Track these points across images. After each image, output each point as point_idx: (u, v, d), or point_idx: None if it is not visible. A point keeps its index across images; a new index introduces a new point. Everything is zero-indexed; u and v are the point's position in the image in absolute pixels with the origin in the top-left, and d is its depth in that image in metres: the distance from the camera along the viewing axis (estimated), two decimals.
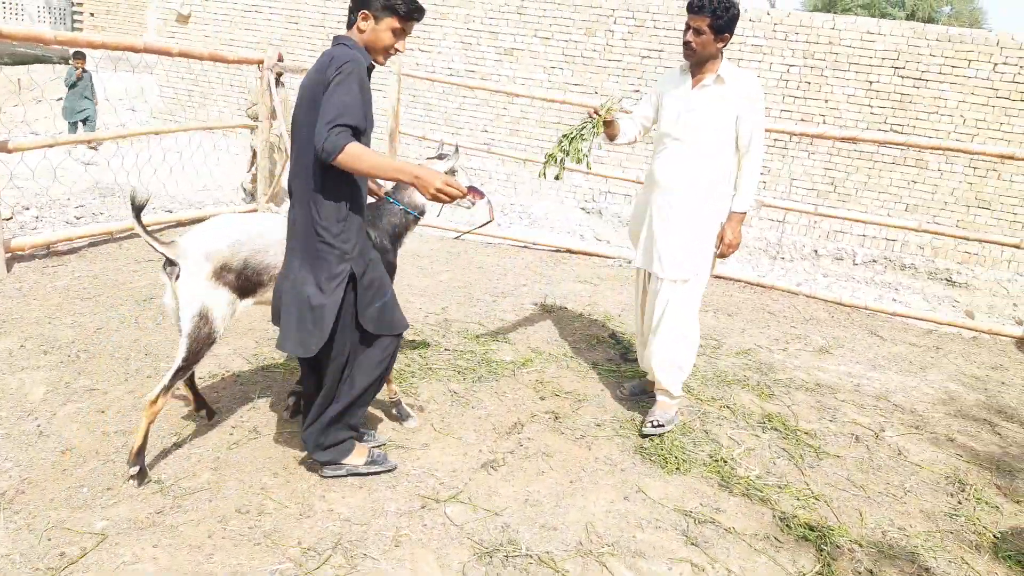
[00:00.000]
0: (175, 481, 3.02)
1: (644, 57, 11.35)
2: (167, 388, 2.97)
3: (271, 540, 2.73)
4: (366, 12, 2.77)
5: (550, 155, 3.61)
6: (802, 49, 10.55)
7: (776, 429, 4.07)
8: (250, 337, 4.50)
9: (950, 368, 5.44)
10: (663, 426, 3.79)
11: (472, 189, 3.41)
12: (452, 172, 3.52)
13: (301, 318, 2.84)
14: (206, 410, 3.50)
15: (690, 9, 3.54)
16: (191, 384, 3.42)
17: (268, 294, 3.17)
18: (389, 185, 3.55)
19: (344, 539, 2.77)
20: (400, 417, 3.68)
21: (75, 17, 19.90)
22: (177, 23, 14.19)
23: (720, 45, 3.56)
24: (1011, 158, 6.53)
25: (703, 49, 3.55)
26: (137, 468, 2.97)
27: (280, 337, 2.92)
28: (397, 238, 3.46)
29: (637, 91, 11.37)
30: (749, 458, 3.73)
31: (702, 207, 3.68)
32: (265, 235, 3.16)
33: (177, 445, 3.28)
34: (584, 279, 6.76)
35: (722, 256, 3.77)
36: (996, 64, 9.79)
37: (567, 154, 3.56)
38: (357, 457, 3.14)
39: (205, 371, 3.99)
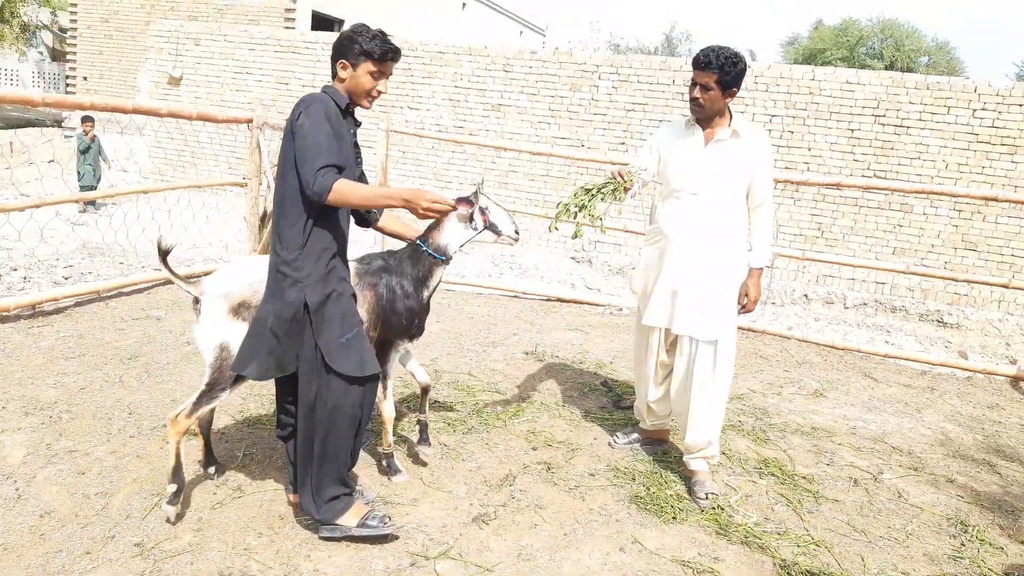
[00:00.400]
0: (156, 544, 2.93)
1: (628, 111, 11.53)
2: (191, 411, 3.11)
3: None
4: (344, 61, 2.88)
5: (564, 204, 3.48)
6: (783, 99, 10.74)
7: (773, 474, 3.99)
8: (236, 393, 4.42)
9: (946, 409, 5.39)
10: (716, 494, 3.68)
11: (460, 200, 3.34)
12: (480, 209, 3.44)
13: (259, 343, 2.88)
14: (215, 466, 3.47)
15: (696, 65, 3.51)
16: (206, 436, 3.47)
17: None
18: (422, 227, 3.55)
19: None
20: (389, 471, 3.59)
21: (68, 82, 20.20)
22: (169, 85, 14.39)
23: (728, 100, 3.54)
24: (995, 199, 6.60)
25: (711, 105, 3.54)
26: (175, 487, 3.07)
27: (241, 359, 2.96)
28: (421, 282, 3.41)
29: (623, 143, 11.52)
30: (747, 505, 3.65)
31: (729, 260, 3.64)
32: None
33: (159, 507, 3.18)
34: (575, 327, 6.73)
35: (747, 311, 3.72)
36: (975, 110, 9.97)
37: (582, 209, 3.41)
38: (351, 517, 3.01)
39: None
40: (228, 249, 8.40)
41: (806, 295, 10.45)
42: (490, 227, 3.44)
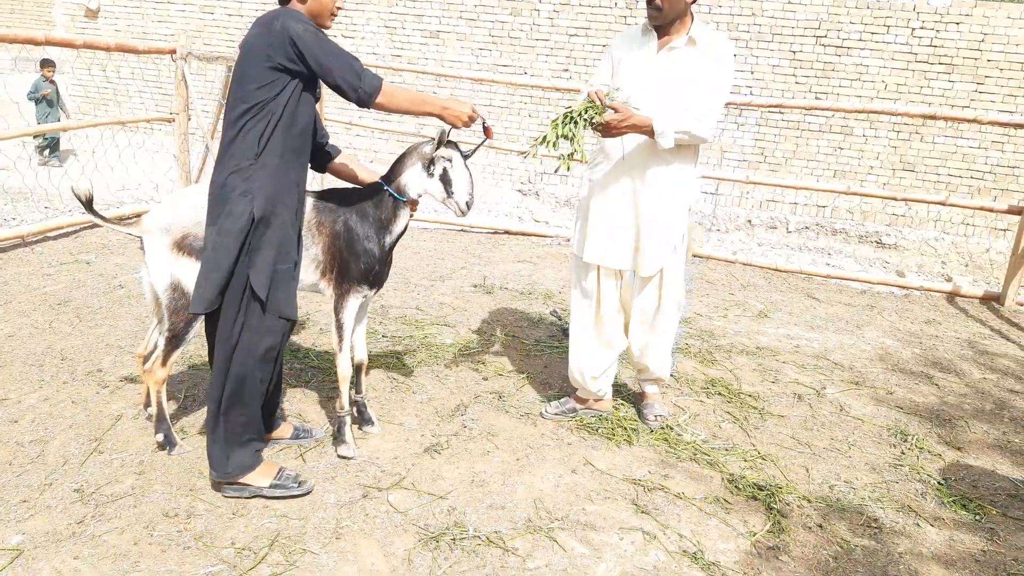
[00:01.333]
0: (96, 489, 2.83)
1: (572, 36, 11.28)
2: (163, 360, 3.03)
3: (202, 543, 2.57)
4: None
5: (549, 135, 3.01)
6: (726, 22, 10.62)
7: (720, 394, 4.05)
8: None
9: (885, 325, 5.53)
10: (665, 416, 3.67)
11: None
12: (443, 157, 3.10)
13: (208, 268, 2.67)
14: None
15: None
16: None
17: None
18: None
19: (282, 535, 2.63)
20: (362, 420, 3.38)
21: None
22: (87, 18, 13.56)
23: (690, 1, 3.13)
24: (933, 117, 6.67)
25: (671, 7, 3.11)
26: (162, 435, 3.08)
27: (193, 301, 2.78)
28: (384, 226, 3.12)
29: (566, 70, 11.30)
30: (695, 424, 3.70)
31: (672, 186, 3.28)
32: None
33: (99, 451, 3.07)
34: (523, 259, 6.68)
35: (604, 125, 3.05)
36: (914, 29, 10.01)
37: (569, 139, 2.98)
38: (262, 477, 2.82)
39: (126, 371, 3.77)
40: (159, 189, 8.06)
41: (750, 220, 10.56)
42: (443, 179, 3.07)
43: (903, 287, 6.63)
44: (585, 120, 3.00)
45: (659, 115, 3.06)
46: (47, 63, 10.65)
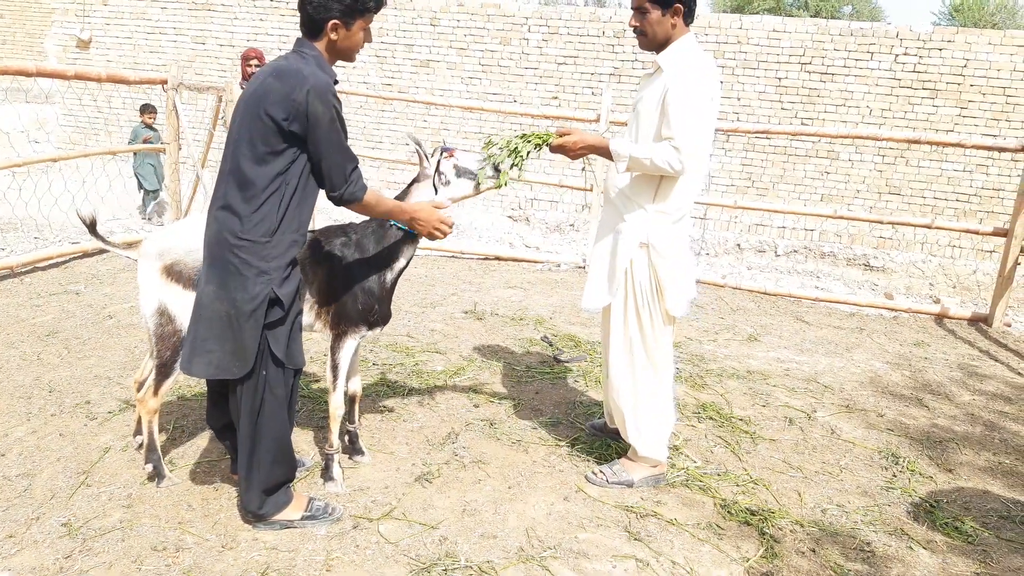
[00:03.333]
0: (84, 523, 2.80)
1: (560, 64, 11.42)
2: (155, 389, 3.01)
3: None
4: (336, 21, 2.53)
5: (490, 141, 3.04)
6: (712, 49, 10.77)
7: (711, 418, 4.05)
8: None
9: (874, 348, 5.56)
10: (611, 483, 3.31)
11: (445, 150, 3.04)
12: (439, 161, 3.03)
13: (222, 338, 2.59)
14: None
15: None
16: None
17: None
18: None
19: (271, 568, 2.60)
20: (325, 474, 3.16)
21: None
22: (78, 49, 13.64)
23: (674, 20, 3.00)
24: (917, 142, 6.76)
25: (654, 30, 3.02)
26: (151, 466, 3.06)
27: (188, 355, 2.65)
28: (385, 261, 3.03)
29: (555, 97, 11.41)
30: (687, 448, 3.69)
31: (621, 219, 3.13)
32: None
33: (86, 485, 3.05)
34: (514, 285, 6.69)
35: (561, 148, 3.01)
36: (897, 55, 10.17)
37: (512, 153, 2.96)
38: (294, 510, 2.82)
39: (114, 403, 3.75)
40: (150, 218, 8.05)
41: (739, 244, 10.63)
42: (464, 174, 2.98)
43: (892, 309, 6.67)
44: (535, 141, 3.00)
45: (617, 138, 2.98)
46: (147, 108, 9.97)
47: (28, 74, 5.41)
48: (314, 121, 2.46)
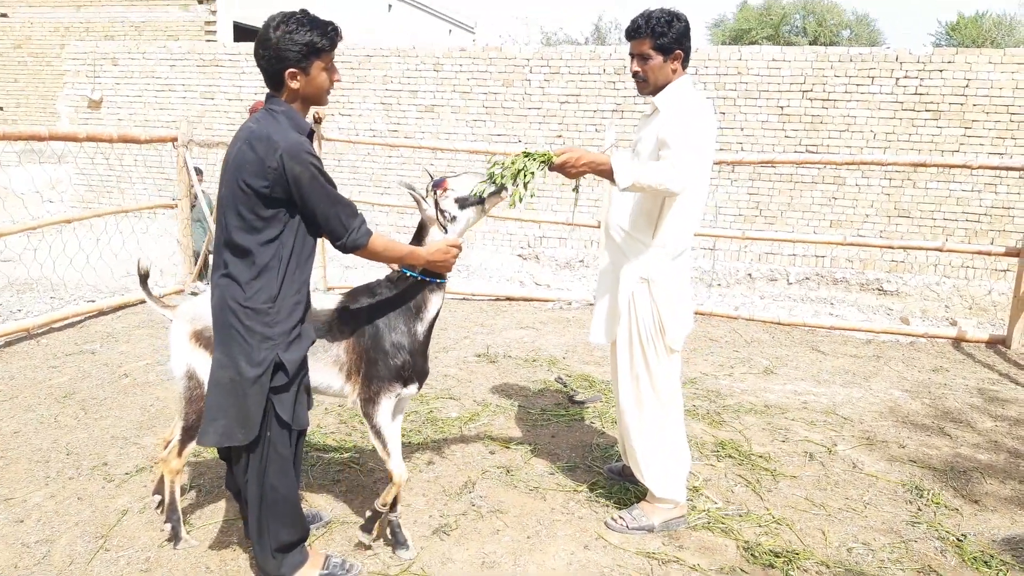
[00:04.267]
0: None
1: (563, 103, 11.54)
2: (179, 450, 3.01)
3: None
4: (292, 70, 2.47)
5: (497, 166, 2.89)
6: (713, 81, 10.86)
7: (731, 456, 4.01)
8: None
9: (892, 376, 5.50)
10: (630, 529, 3.28)
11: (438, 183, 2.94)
12: (434, 194, 2.92)
13: (227, 404, 2.57)
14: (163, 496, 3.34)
15: (628, 36, 3.09)
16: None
17: None
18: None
19: None
20: (395, 542, 3.04)
21: None
22: (90, 109, 13.92)
23: (674, 66, 3.06)
24: (923, 165, 6.76)
25: (655, 76, 3.06)
26: (170, 526, 3.06)
27: (204, 424, 2.64)
28: (414, 313, 2.91)
29: (559, 136, 11.51)
30: (707, 489, 3.65)
31: (632, 261, 3.14)
32: None
33: (105, 549, 3.04)
34: (526, 325, 6.69)
35: (561, 167, 2.92)
36: (898, 79, 10.22)
37: (515, 176, 2.84)
38: (311, 569, 2.78)
39: (131, 463, 3.75)
40: (163, 274, 8.14)
41: (750, 274, 10.60)
42: (466, 204, 2.87)
43: (908, 335, 6.61)
44: (539, 159, 2.86)
45: (617, 154, 2.92)
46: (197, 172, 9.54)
47: (41, 138, 5.52)
48: (295, 183, 2.43)
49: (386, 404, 2.91)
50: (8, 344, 5.58)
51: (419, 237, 2.95)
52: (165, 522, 3.08)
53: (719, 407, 4.72)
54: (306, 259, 2.62)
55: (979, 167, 6.45)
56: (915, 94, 10.20)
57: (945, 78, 10.06)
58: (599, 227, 7.40)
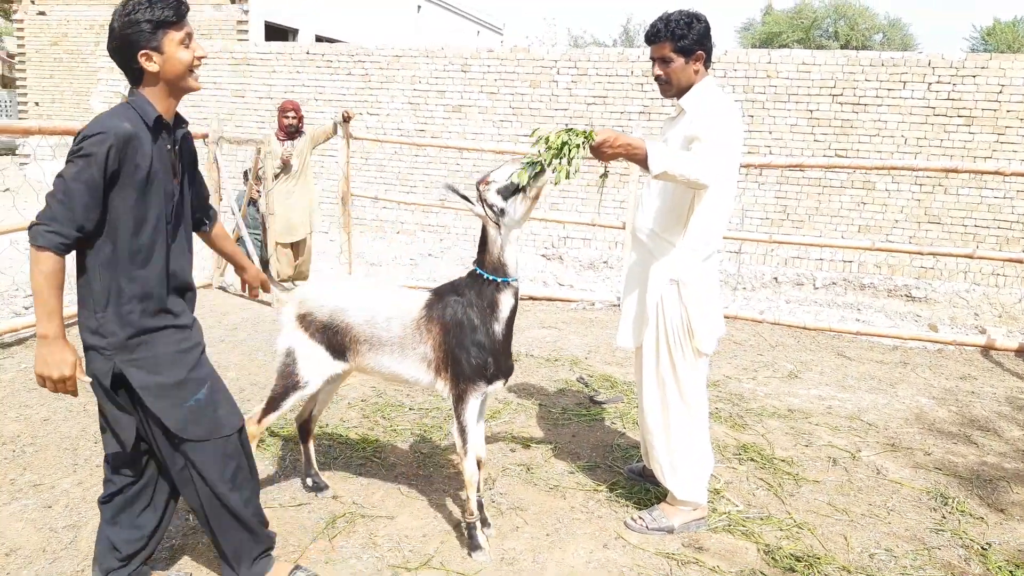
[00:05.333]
0: None
1: (589, 104, 11.53)
2: (259, 417, 3.13)
3: None
4: (145, 52, 2.26)
5: (534, 132, 2.80)
6: (742, 84, 10.80)
7: (753, 459, 3.99)
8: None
9: (919, 383, 5.44)
10: (651, 530, 3.27)
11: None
12: (479, 190, 2.89)
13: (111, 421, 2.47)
14: (312, 477, 3.49)
15: (647, 40, 3.08)
16: (305, 447, 3.49)
17: (360, 361, 3.08)
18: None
19: None
20: (470, 544, 3.03)
21: (20, 108, 19.78)
22: None
23: (696, 67, 3.06)
24: (955, 171, 6.67)
25: (678, 78, 3.06)
26: None
27: None
28: (489, 312, 2.90)
29: None
30: (729, 492, 3.63)
31: (660, 261, 3.12)
32: (352, 296, 3.13)
33: None
34: (548, 325, 6.70)
35: (599, 147, 2.79)
36: (930, 83, 10.09)
37: (558, 152, 2.72)
38: None
39: None
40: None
41: (776, 278, 10.52)
42: (510, 192, 2.81)
43: (936, 342, 6.52)
44: (580, 136, 2.75)
45: (665, 152, 2.84)
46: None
47: (75, 133, 5.61)
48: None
49: (473, 403, 2.97)
50: None
51: (483, 241, 2.94)
52: None
53: (742, 410, 4.70)
54: (137, 261, 2.34)
55: (1012, 174, 6.35)
56: (947, 99, 10.07)
57: (979, 83, 9.91)
58: (623, 228, 7.39)
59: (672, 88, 3.11)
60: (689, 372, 3.14)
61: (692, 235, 3.06)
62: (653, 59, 3.11)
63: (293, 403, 3.13)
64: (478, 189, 2.89)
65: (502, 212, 2.84)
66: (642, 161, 2.80)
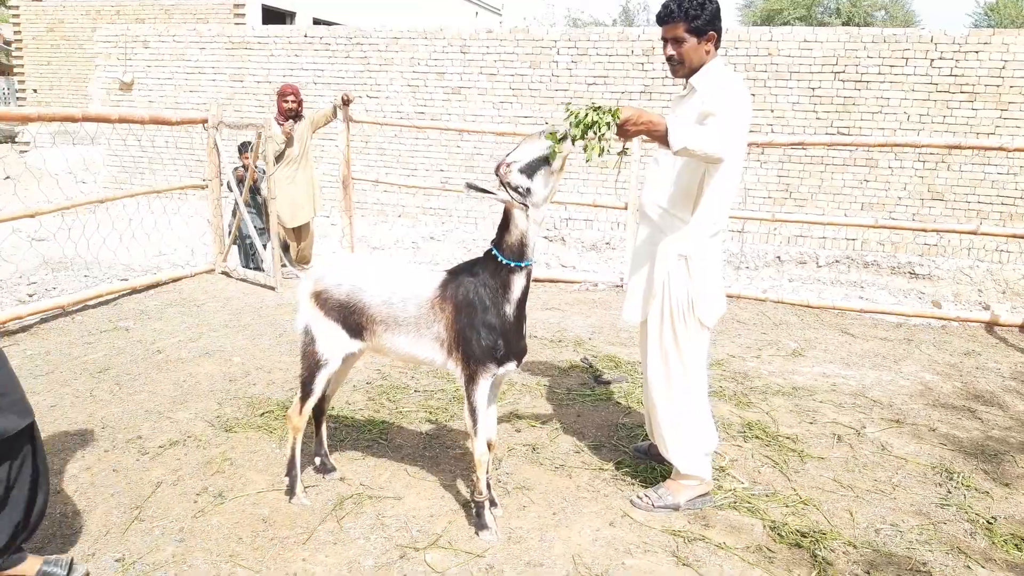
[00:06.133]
0: (138, 558, 2.86)
1: (590, 84, 11.47)
2: (299, 407, 3.19)
3: None
4: None
5: (570, 116, 2.72)
6: (743, 62, 10.73)
7: (758, 437, 4.00)
8: (211, 399, 4.34)
9: (923, 359, 5.44)
10: (655, 507, 3.29)
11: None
12: (502, 174, 2.80)
13: None
14: (321, 458, 3.51)
15: (660, 21, 3.08)
16: (318, 427, 3.50)
17: (377, 341, 3.08)
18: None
19: None
20: (477, 523, 3.05)
21: (19, 95, 19.71)
22: (121, 91, 14.08)
23: (708, 47, 3.06)
24: (958, 147, 6.64)
25: (690, 58, 3.07)
26: (288, 480, 3.27)
27: None
28: (501, 294, 2.89)
29: None
30: (734, 469, 3.65)
31: (668, 238, 3.15)
32: (369, 274, 3.10)
33: (139, 520, 3.11)
34: (552, 306, 6.70)
35: (623, 124, 2.73)
36: (932, 60, 10.02)
37: (586, 129, 2.66)
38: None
39: (165, 437, 3.83)
40: (194, 254, 8.25)
41: (779, 257, 10.50)
42: (533, 169, 2.74)
43: (940, 318, 6.52)
44: (608, 113, 2.68)
45: (685, 126, 2.83)
46: (246, 146, 7.77)
47: (75, 119, 5.60)
48: None
49: (483, 384, 2.94)
50: (44, 321, 5.70)
51: (505, 224, 2.89)
52: (285, 475, 3.30)
53: (746, 388, 4.71)
54: None
55: (1015, 150, 6.31)
56: (950, 75, 10.00)
57: (981, 59, 9.84)
58: (625, 208, 7.37)
59: (684, 68, 3.12)
60: (692, 344, 3.17)
61: (701, 211, 3.08)
62: (665, 39, 3.11)
63: (323, 383, 3.15)
64: (498, 174, 2.82)
65: (528, 191, 2.79)
66: (661, 137, 2.79)
